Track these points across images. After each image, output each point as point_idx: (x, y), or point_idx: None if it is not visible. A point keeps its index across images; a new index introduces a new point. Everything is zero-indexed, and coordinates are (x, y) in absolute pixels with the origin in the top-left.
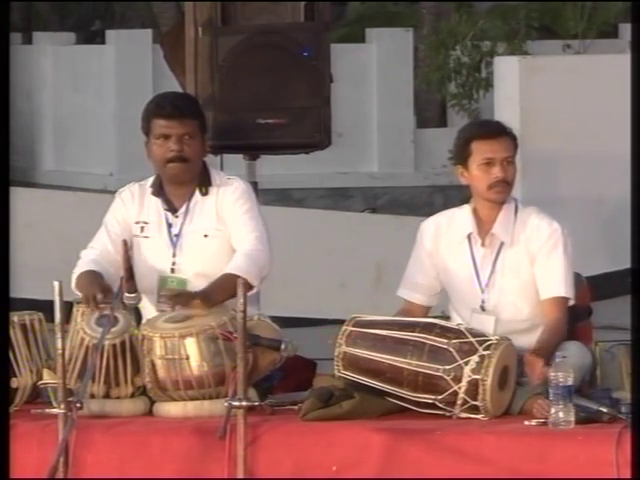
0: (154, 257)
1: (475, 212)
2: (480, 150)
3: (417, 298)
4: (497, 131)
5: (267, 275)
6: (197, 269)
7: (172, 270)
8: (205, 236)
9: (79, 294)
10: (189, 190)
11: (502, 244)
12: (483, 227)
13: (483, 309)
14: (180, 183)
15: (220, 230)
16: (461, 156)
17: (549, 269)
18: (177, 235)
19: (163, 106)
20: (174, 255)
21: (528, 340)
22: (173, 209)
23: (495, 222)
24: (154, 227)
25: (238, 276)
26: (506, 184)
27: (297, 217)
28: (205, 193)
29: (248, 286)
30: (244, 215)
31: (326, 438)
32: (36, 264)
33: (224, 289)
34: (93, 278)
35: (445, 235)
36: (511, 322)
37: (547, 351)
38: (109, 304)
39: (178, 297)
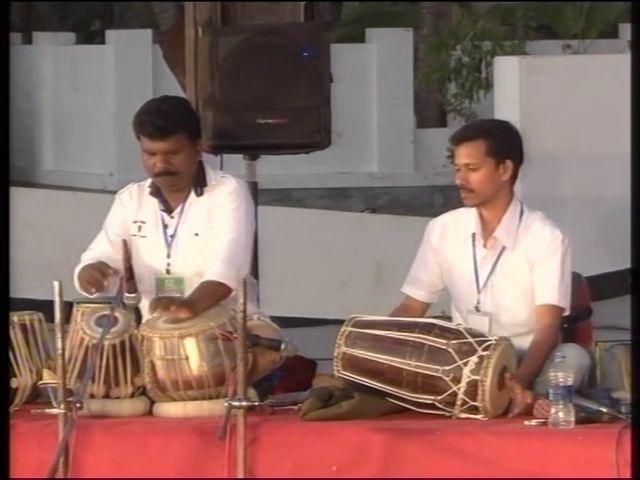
0: (150, 257)
1: (479, 212)
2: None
3: (418, 294)
4: (459, 138)
5: (246, 273)
6: (192, 269)
7: (167, 271)
8: (195, 235)
9: (84, 293)
10: (185, 192)
11: (504, 247)
12: (487, 228)
13: (478, 309)
14: (174, 190)
15: (211, 228)
16: None
17: (545, 276)
18: (172, 236)
19: (145, 124)
20: (168, 256)
21: (527, 343)
22: (169, 210)
23: (499, 225)
24: (151, 227)
25: (218, 282)
26: (467, 191)
27: (297, 217)
28: (200, 194)
29: (228, 290)
30: (228, 214)
31: (326, 438)
32: (36, 264)
33: (206, 297)
34: (90, 266)
35: (452, 233)
36: (509, 325)
37: (530, 372)
38: (110, 304)
39: (158, 302)
